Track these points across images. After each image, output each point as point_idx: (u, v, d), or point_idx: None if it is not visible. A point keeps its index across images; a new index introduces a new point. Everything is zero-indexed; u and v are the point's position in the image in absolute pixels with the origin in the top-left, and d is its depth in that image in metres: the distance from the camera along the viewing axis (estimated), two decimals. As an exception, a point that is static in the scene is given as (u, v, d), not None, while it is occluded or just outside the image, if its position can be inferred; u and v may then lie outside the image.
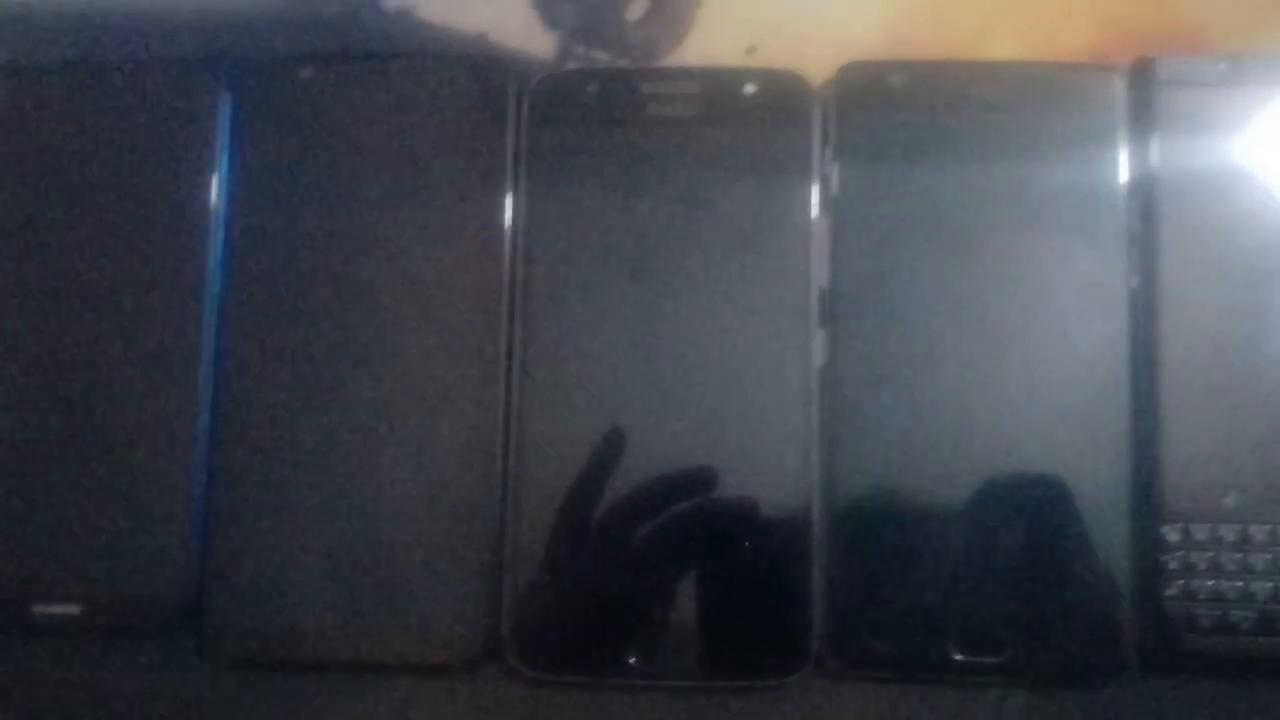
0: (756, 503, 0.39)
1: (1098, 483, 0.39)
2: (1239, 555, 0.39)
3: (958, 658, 0.38)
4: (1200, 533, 0.39)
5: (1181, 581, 0.39)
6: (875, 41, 0.43)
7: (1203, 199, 0.40)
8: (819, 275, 0.40)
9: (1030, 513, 0.39)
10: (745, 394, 0.40)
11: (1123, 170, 0.40)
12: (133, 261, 0.41)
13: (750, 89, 0.41)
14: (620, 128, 0.41)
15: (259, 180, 0.42)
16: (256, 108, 0.42)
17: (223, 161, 0.41)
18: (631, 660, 0.39)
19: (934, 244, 0.40)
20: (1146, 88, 0.41)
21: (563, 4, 0.44)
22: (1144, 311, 0.40)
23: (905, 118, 0.41)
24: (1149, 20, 0.43)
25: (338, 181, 0.41)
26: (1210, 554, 0.39)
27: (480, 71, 0.42)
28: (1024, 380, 0.40)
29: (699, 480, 0.39)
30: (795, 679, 0.39)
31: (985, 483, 0.39)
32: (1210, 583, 0.39)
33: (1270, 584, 0.38)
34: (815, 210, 0.41)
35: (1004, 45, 0.43)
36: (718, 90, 0.41)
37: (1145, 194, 0.40)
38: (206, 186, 0.41)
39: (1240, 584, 0.38)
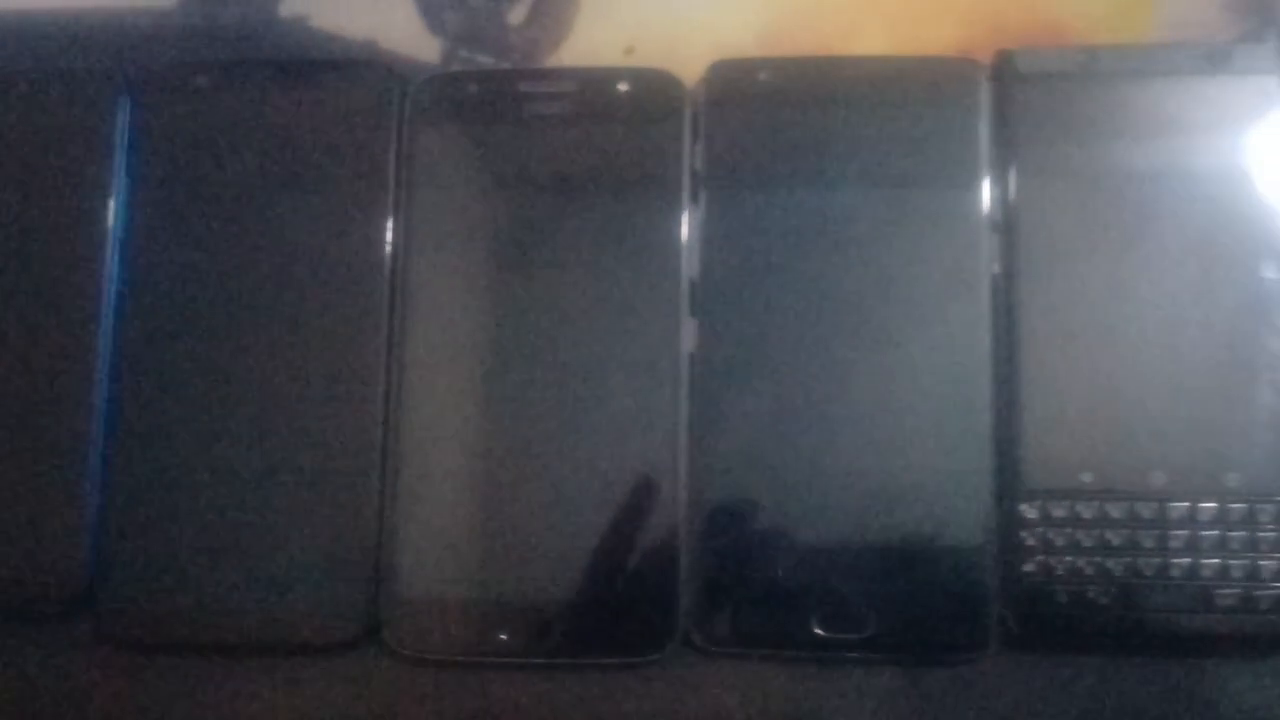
0: (625, 482, 0.40)
1: (958, 461, 0.40)
2: (1096, 532, 0.39)
3: (821, 634, 0.39)
4: (1058, 510, 0.40)
5: (1040, 558, 0.39)
6: (750, 41, 0.45)
7: (1061, 186, 0.41)
8: (690, 266, 0.42)
9: (892, 491, 0.40)
10: (617, 379, 0.41)
11: (985, 159, 0.42)
12: (30, 264, 0.42)
13: (623, 88, 0.43)
14: (499, 126, 0.43)
15: (156, 186, 0.43)
16: (153, 115, 0.44)
17: (120, 168, 0.43)
18: (502, 638, 0.40)
19: (800, 234, 0.42)
20: (1007, 78, 0.42)
21: (447, 10, 0.45)
22: (1005, 296, 0.41)
23: (773, 113, 0.42)
24: (1013, 17, 0.44)
25: (232, 185, 0.43)
26: (1068, 531, 0.39)
27: (365, 76, 0.43)
28: (888, 364, 0.41)
29: (569, 462, 0.40)
30: (663, 656, 0.40)
31: (848, 463, 0.40)
32: (1068, 559, 0.39)
33: (1126, 560, 0.39)
34: (686, 203, 0.42)
35: (874, 42, 0.44)
36: (592, 89, 0.43)
37: (1006, 181, 0.41)
38: (104, 193, 0.43)
39: (1098, 560, 0.39)
